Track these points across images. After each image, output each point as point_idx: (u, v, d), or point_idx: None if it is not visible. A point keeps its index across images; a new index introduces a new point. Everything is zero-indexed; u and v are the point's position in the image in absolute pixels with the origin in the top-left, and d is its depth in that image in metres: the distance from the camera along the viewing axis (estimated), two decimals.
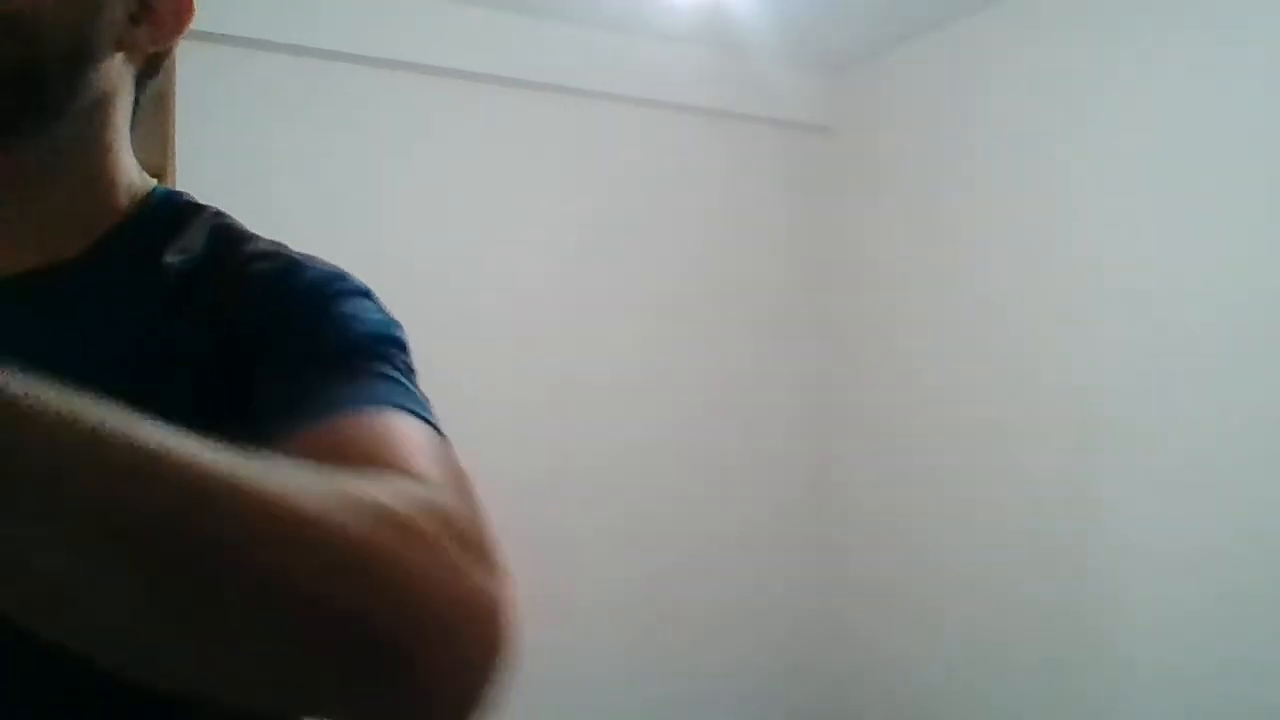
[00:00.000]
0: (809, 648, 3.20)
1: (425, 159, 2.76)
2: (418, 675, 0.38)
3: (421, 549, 0.39)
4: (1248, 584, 2.08)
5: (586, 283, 2.96)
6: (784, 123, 3.25)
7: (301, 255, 0.65)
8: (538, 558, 2.83)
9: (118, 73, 0.63)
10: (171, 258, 0.63)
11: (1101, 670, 2.38)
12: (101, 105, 0.63)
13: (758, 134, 3.22)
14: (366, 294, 0.64)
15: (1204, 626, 2.16)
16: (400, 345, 0.60)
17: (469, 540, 0.42)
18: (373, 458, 0.45)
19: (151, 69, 0.68)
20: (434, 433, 0.53)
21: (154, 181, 0.70)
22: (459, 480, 0.48)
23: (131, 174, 0.67)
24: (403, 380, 0.56)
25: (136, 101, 0.68)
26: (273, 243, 0.65)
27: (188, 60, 1.93)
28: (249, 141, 2.52)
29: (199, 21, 0.68)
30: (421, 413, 0.54)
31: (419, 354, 0.62)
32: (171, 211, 0.67)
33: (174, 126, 2.05)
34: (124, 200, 0.66)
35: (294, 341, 0.58)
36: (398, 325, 0.63)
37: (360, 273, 0.65)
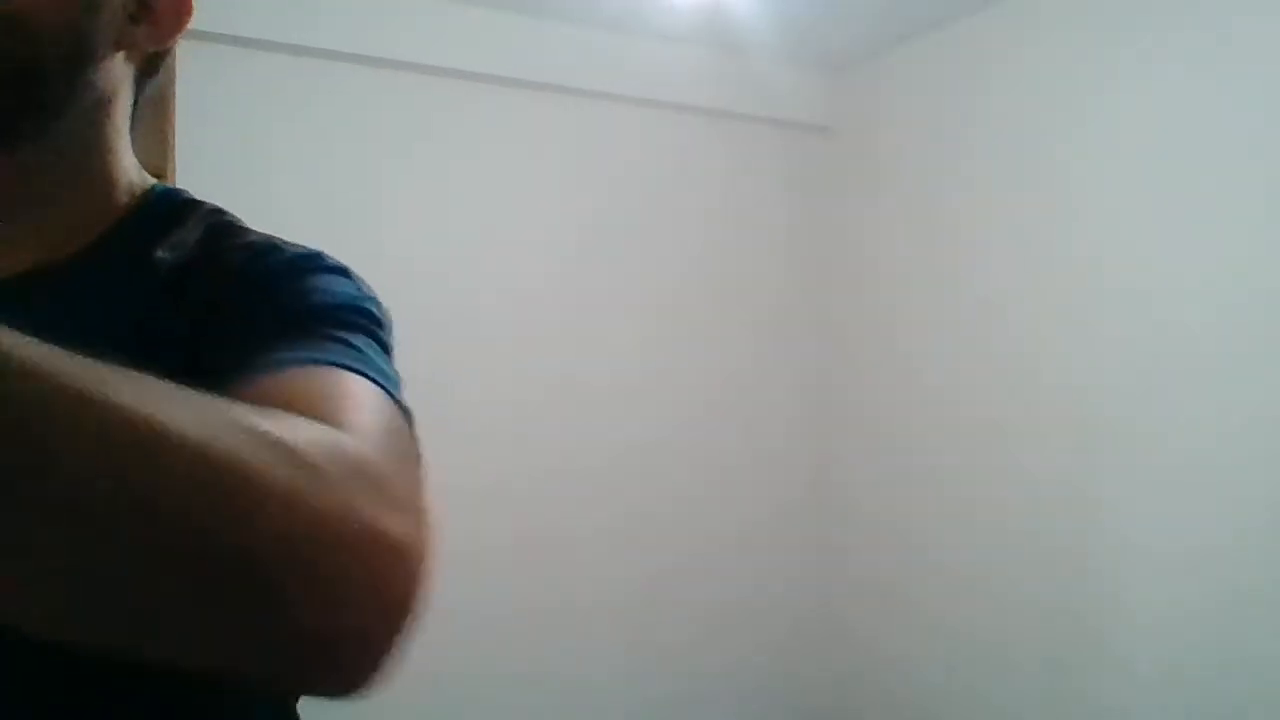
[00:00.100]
0: (809, 648, 3.20)
1: (425, 159, 2.76)
2: (289, 610, 0.36)
3: (311, 481, 0.37)
4: (1248, 584, 2.08)
5: (586, 283, 2.96)
6: (784, 123, 3.25)
7: (286, 242, 0.64)
8: (538, 558, 2.83)
9: (118, 72, 0.64)
10: (164, 253, 0.63)
11: (1101, 670, 2.38)
12: (101, 105, 0.63)
13: (758, 134, 3.22)
14: (343, 271, 0.63)
15: (1204, 626, 2.16)
16: (370, 317, 0.59)
17: (383, 488, 0.40)
18: (309, 410, 0.44)
19: (151, 68, 0.68)
20: (384, 397, 0.51)
21: (153, 180, 0.70)
22: (392, 436, 0.47)
23: (131, 173, 0.68)
24: (362, 348, 0.55)
25: (136, 101, 0.68)
26: (266, 236, 0.65)
27: (188, 60, 1.93)
28: (249, 141, 2.52)
29: (199, 21, 0.68)
30: (377, 379, 0.52)
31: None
32: (170, 208, 0.67)
33: (174, 126, 2.05)
34: (124, 199, 0.66)
35: (261, 309, 0.58)
36: (374, 301, 0.62)
37: (360, 273, 0.65)
